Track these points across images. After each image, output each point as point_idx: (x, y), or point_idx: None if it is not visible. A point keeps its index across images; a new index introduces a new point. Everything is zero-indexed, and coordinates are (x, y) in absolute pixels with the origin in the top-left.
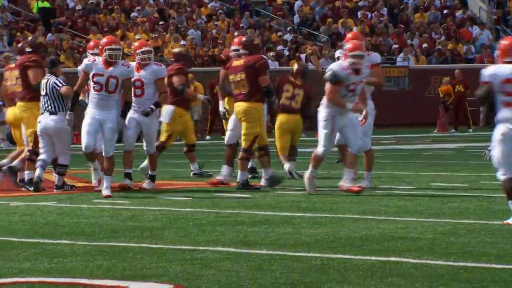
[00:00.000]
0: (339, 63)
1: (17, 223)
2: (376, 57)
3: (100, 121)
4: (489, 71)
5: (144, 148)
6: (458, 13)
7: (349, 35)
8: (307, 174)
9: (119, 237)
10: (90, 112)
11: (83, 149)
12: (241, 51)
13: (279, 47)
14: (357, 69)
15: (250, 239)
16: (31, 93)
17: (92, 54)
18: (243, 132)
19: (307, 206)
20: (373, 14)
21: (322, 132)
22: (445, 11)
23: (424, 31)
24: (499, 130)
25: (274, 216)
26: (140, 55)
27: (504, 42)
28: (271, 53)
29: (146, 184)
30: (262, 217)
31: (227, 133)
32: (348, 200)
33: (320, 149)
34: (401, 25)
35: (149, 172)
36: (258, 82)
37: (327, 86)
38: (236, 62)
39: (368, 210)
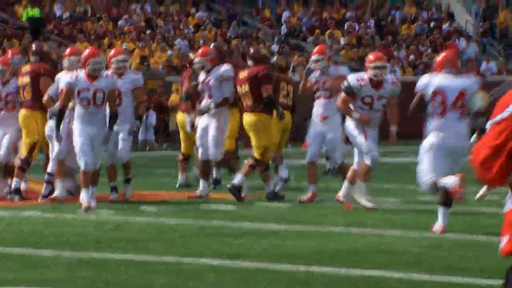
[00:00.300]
0: (358, 74)
1: (2, 233)
2: (343, 70)
3: (91, 136)
4: (422, 81)
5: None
6: (445, 26)
7: (316, 48)
8: (358, 190)
9: (103, 247)
10: (79, 129)
11: (83, 169)
12: (249, 63)
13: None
14: (378, 83)
15: (235, 251)
16: (39, 103)
17: (67, 61)
18: (252, 143)
19: (293, 218)
20: (360, 26)
21: (359, 140)
22: (432, 24)
23: (411, 43)
24: (430, 140)
25: (260, 228)
26: (115, 63)
27: (441, 55)
28: None
29: (124, 190)
30: (248, 229)
31: (199, 150)
32: (334, 213)
33: (366, 160)
34: (389, 37)
35: (127, 176)
36: (261, 92)
37: (341, 94)
38: (242, 74)
39: (354, 223)
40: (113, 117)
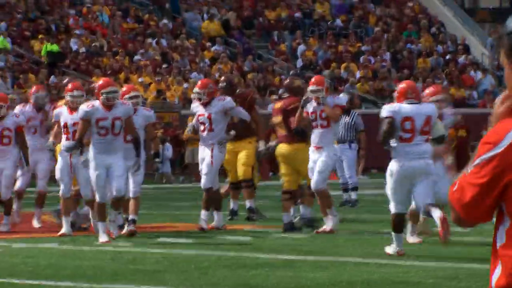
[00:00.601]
0: None
1: (19, 265)
2: (341, 100)
3: (107, 166)
4: (392, 107)
5: (132, 189)
6: (461, 59)
7: (312, 79)
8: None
9: (120, 279)
10: (95, 161)
11: (98, 201)
12: (285, 94)
13: (281, 90)
14: (439, 115)
15: (251, 282)
16: None
17: (70, 96)
18: (302, 174)
19: (308, 249)
20: (376, 59)
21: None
22: (447, 57)
23: (427, 76)
24: (392, 166)
25: (275, 259)
26: (128, 100)
27: (401, 85)
28: (274, 96)
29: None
30: (264, 260)
31: (202, 178)
32: (349, 244)
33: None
34: (404, 70)
35: (135, 214)
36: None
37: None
38: (277, 105)
39: (370, 254)
40: (137, 143)
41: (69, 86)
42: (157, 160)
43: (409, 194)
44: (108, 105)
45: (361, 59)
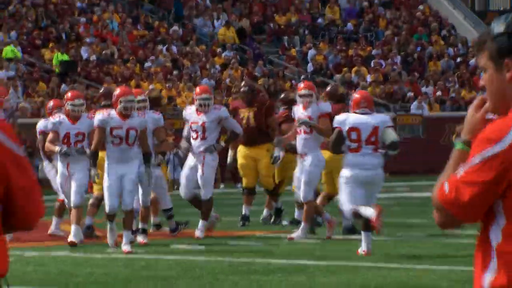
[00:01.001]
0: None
1: (31, 273)
2: (326, 106)
3: (121, 175)
4: (340, 117)
5: (141, 198)
6: (472, 61)
7: (302, 85)
8: None
9: (132, 286)
10: (109, 169)
11: (107, 211)
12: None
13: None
14: None
15: None
16: None
17: (71, 105)
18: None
19: (321, 254)
20: (386, 62)
21: None
22: (458, 59)
23: (438, 79)
24: (344, 174)
25: (287, 264)
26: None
27: (356, 95)
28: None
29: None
30: (276, 265)
31: (202, 190)
32: None
33: None
34: (415, 73)
35: (144, 223)
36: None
37: None
38: None
39: (382, 258)
40: (148, 156)
41: (69, 94)
42: (160, 157)
43: (365, 198)
44: (125, 114)
45: (372, 63)
